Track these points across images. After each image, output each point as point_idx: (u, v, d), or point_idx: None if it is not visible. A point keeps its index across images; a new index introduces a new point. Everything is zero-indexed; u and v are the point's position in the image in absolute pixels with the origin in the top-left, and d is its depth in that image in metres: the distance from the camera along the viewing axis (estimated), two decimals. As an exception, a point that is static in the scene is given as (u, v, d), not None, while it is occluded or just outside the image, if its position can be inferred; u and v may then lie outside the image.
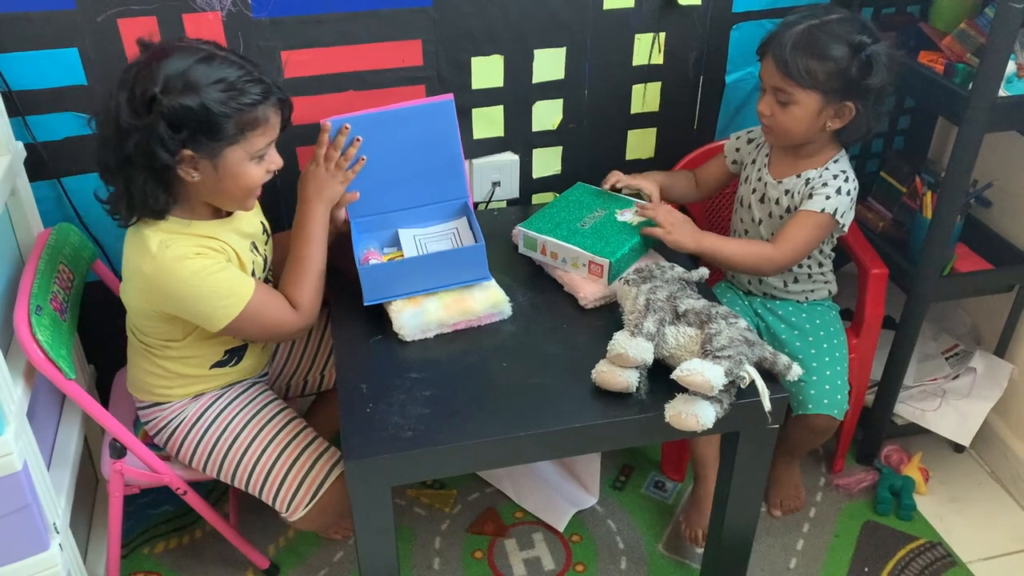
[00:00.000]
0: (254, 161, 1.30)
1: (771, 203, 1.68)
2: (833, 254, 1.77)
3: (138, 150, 1.22)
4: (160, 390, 1.49)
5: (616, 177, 1.71)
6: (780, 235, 1.63)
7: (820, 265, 1.76)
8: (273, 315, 1.39)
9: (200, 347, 1.46)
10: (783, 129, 1.58)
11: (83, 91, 1.56)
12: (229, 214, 1.42)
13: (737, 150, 1.78)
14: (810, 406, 1.66)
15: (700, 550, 1.82)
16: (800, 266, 1.73)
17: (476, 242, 1.50)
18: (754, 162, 1.73)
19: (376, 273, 1.43)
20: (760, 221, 1.72)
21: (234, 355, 1.51)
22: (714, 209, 2.05)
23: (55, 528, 1.37)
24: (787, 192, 1.65)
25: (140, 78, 1.21)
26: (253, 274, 1.44)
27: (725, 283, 1.88)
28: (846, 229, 1.63)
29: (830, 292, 1.81)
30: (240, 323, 1.34)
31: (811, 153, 1.63)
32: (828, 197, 1.58)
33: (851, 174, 1.62)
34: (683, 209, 1.91)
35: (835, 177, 1.60)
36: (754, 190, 1.71)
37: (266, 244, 1.52)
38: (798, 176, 1.63)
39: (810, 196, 1.60)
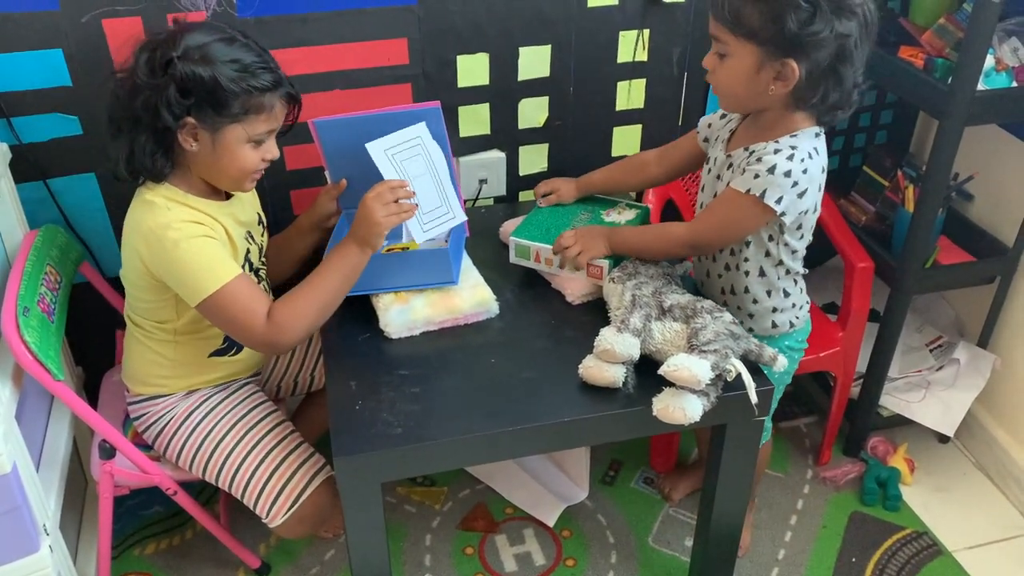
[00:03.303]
0: (251, 145, 1.34)
1: (718, 183, 1.42)
2: (796, 274, 1.46)
3: (145, 107, 1.28)
4: (157, 379, 1.50)
5: (543, 187, 1.68)
6: (699, 214, 1.42)
7: (760, 275, 1.42)
8: (245, 311, 1.32)
9: (197, 333, 1.46)
10: (723, 88, 1.34)
11: (68, 92, 1.55)
12: (226, 197, 1.43)
13: (709, 125, 1.52)
14: None
15: (667, 504, 1.96)
16: (737, 267, 1.43)
17: (447, 243, 1.49)
18: (718, 138, 1.47)
19: None
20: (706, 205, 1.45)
21: (233, 342, 1.51)
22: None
23: (45, 530, 1.37)
24: (730, 167, 1.38)
25: (163, 42, 1.28)
26: (248, 260, 1.45)
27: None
28: (787, 220, 1.32)
29: (791, 324, 1.49)
30: (213, 303, 1.31)
31: (769, 124, 1.34)
32: (757, 176, 1.29)
33: (806, 152, 1.30)
34: (672, 208, 1.92)
35: (776, 152, 1.29)
36: (709, 170, 1.47)
37: (262, 235, 1.54)
38: (746, 148, 1.36)
39: (743, 171, 1.32)
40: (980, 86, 1.59)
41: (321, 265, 1.39)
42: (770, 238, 1.39)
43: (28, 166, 1.59)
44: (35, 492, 1.36)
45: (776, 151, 1.30)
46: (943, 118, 1.63)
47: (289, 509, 1.45)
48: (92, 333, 1.65)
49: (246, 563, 1.77)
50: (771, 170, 1.28)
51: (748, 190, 1.30)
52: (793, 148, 1.30)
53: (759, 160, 1.30)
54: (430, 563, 1.82)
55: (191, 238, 1.31)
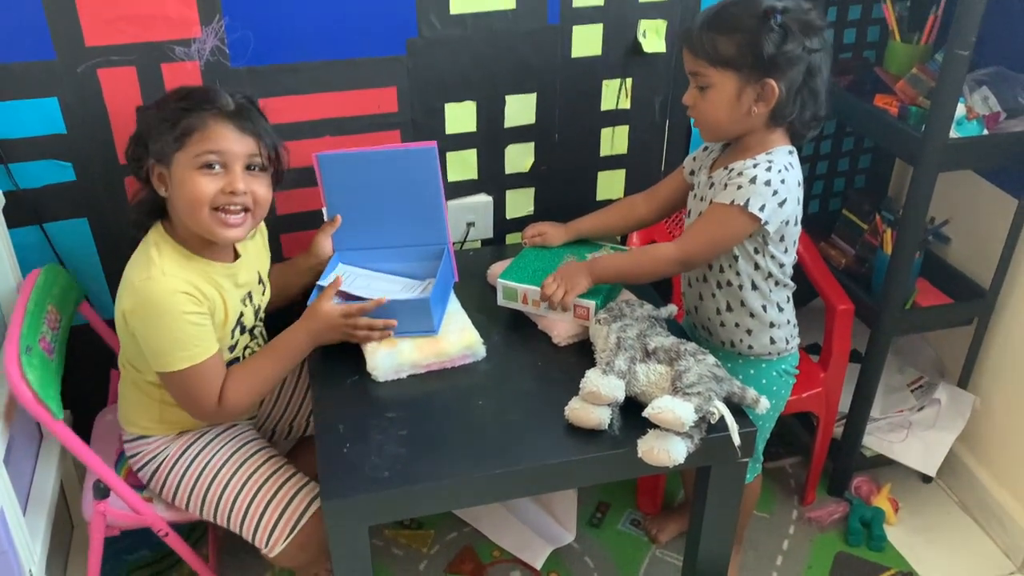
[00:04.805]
0: (200, 171, 1.32)
1: (702, 204, 1.49)
2: (787, 288, 1.52)
3: (131, 158, 1.39)
4: (150, 422, 1.51)
5: (531, 230, 1.72)
6: (686, 231, 1.49)
7: (753, 288, 1.48)
8: (202, 392, 1.39)
9: None
10: (706, 120, 1.43)
11: (63, 139, 1.58)
12: (234, 259, 1.46)
13: (694, 159, 1.60)
14: None
15: (655, 546, 1.97)
16: (730, 283, 1.49)
17: (428, 293, 1.50)
18: (702, 167, 1.55)
19: None
20: None
21: None
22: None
23: (31, 574, 1.37)
24: (712, 186, 1.46)
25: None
26: (239, 323, 1.47)
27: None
28: (770, 229, 1.39)
29: (787, 342, 1.56)
30: (175, 378, 1.36)
31: (748, 146, 1.44)
32: (740, 187, 1.38)
33: (782, 165, 1.39)
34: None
35: (755, 166, 1.39)
36: (695, 195, 1.55)
37: (263, 294, 1.56)
38: (726, 168, 1.45)
39: (724, 187, 1.41)
40: (952, 133, 1.64)
41: (272, 351, 1.47)
42: (756, 250, 1.46)
43: (23, 211, 1.61)
44: (21, 536, 1.35)
45: (755, 165, 1.40)
46: (917, 164, 1.68)
47: (289, 535, 1.45)
48: (84, 374, 1.66)
49: (232, 608, 1.76)
50: (752, 180, 1.38)
51: (732, 201, 1.38)
52: (770, 161, 1.40)
53: (739, 174, 1.40)
54: (417, 607, 1.82)
55: (176, 315, 1.32)
